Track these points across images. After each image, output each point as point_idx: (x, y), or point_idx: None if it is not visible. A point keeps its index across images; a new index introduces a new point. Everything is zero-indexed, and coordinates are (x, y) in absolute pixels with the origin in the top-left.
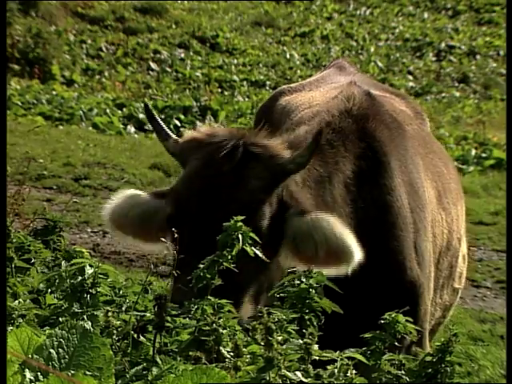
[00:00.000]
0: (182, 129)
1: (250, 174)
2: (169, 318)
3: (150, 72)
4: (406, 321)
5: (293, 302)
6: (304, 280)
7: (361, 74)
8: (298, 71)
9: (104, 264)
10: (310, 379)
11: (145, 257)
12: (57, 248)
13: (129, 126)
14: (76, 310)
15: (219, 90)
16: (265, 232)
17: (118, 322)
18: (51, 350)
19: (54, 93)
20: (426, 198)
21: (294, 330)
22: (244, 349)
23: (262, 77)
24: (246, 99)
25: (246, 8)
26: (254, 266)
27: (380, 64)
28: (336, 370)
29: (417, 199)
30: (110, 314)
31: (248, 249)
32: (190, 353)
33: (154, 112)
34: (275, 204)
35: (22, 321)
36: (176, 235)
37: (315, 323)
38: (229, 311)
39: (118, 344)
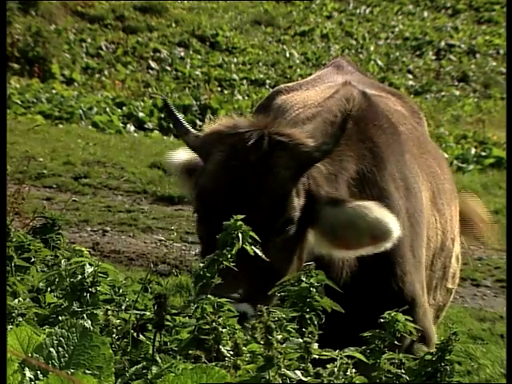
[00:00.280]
0: None
1: (277, 163)
2: (168, 317)
3: (150, 71)
4: (406, 320)
5: (293, 300)
6: (304, 279)
7: (358, 74)
8: (298, 70)
9: (104, 263)
10: (309, 378)
11: (144, 255)
12: (56, 247)
13: (128, 125)
14: (76, 309)
15: (219, 89)
16: (293, 221)
17: (118, 321)
18: (51, 349)
19: (53, 91)
20: (422, 203)
21: (293, 328)
22: (244, 347)
23: (261, 75)
24: (246, 98)
25: (246, 7)
26: (282, 255)
27: (380, 63)
28: (336, 369)
29: (414, 204)
30: (109, 312)
31: (248, 248)
32: (190, 352)
33: (173, 107)
34: (301, 192)
35: (21, 319)
36: (205, 230)
37: (315, 322)
38: (228, 310)
39: (118, 343)
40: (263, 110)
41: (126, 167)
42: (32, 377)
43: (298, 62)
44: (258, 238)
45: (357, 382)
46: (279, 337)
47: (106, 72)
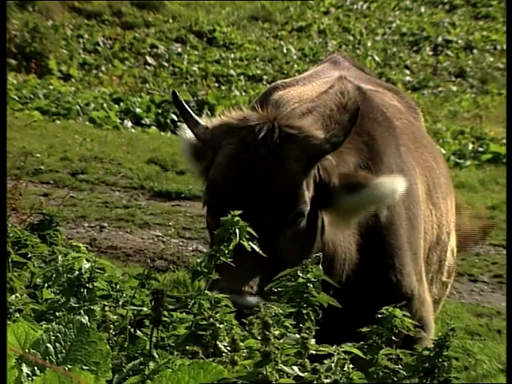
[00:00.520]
0: (178, 123)
1: (287, 155)
2: (166, 313)
3: (147, 66)
4: (403, 315)
5: (290, 296)
6: (301, 274)
7: (354, 69)
8: (295, 66)
9: (101, 258)
10: (306, 373)
11: (142, 251)
12: (53, 243)
13: (126, 121)
14: (73, 305)
15: (216, 85)
16: (303, 214)
17: (115, 317)
18: (48, 345)
19: (50, 87)
20: (418, 195)
21: (291, 324)
22: (241, 343)
23: (258, 71)
24: (243, 94)
25: (243, 2)
26: (293, 247)
27: (377, 58)
28: (333, 365)
29: (410, 196)
30: (106, 308)
31: (245, 243)
32: (187, 347)
33: (182, 99)
34: (312, 185)
35: (18, 315)
36: (215, 223)
37: (312, 317)
38: (226, 305)
39: (115, 338)
40: (259, 105)
41: (124, 163)
42: (29, 372)
43: (295, 57)
44: (265, 232)
45: (354, 377)
46: (276, 332)
47: (103, 68)
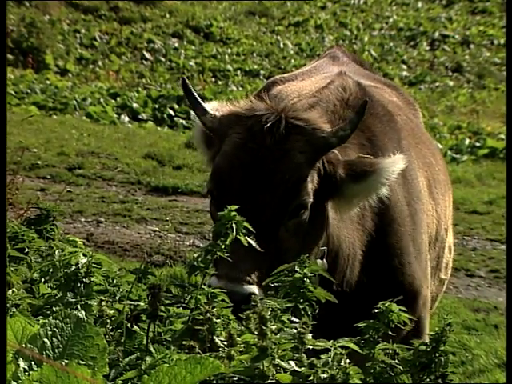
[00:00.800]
0: (175, 118)
1: (293, 146)
2: (162, 308)
3: (144, 61)
4: (400, 310)
5: (287, 291)
6: (298, 269)
7: (353, 64)
8: (292, 60)
9: (98, 253)
10: (303, 368)
11: (139, 246)
12: (50, 237)
13: (122, 116)
14: (70, 300)
15: (213, 80)
16: (306, 206)
17: (112, 312)
18: (45, 340)
19: (47, 82)
20: (420, 190)
21: (288, 319)
22: (238, 338)
23: (255, 66)
24: (240, 88)
25: None
26: (295, 239)
27: (374, 53)
28: (330, 360)
29: (412, 192)
30: (103, 303)
31: (242, 238)
32: (184, 342)
33: (191, 86)
34: (316, 179)
35: (15, 310)
36: (218, 212)
37: (309, 312)
38: (222, 300)
39: (112, 333)
40: None
41: (120, 158)
42: (26, 367)
43: (292, 52)
44: (267, 222)
45: (351, 372)
46: (273, 327)
47: (100, 63)
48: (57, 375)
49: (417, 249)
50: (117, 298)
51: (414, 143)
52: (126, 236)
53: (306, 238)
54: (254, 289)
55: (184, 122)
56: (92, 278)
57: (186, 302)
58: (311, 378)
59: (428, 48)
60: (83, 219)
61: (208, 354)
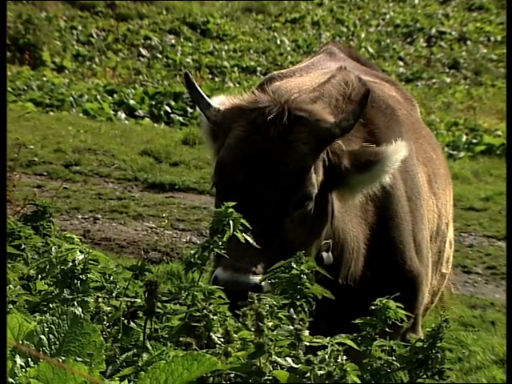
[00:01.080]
0: (172, 115)
1: (296, 138)
2: (159, 304)
3: (141, 58)
4: (397, 307)
5: (284, 287)
6: (295, 266)
7: (350, 60)
8: (289, 57)
9: (94, 250)
10: (300, 365)
11: (135, 243)
12: (47, 234)
13: (119, 113)
14: (66, 296)
15: (210, 76)
16: (310, 197)
17: (109, 308)
18: (42, 336)
19: (44, 79)
20: (421, 185)
21: (284, 315)
22: (234, 335)
23: (252, 63)
24: (237, 85)
25: None
26: (300, 230)
27: (371, 50)
28: (327, 356)
29: (413, 187)
30: (100, 300)
31: (239, 235)
32: (181, 339)
33: (194, 81)
34: (321, 170)
35: (12, 307)
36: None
37: (306, 309)
38: (219, 297)
39: (109, 330)
40: None
41: (117, 154)
42: (23, 364)
43: (288, 49)
44: (271, 213)
45: (348, 368)
46: (270, 324)
47: (96, 59)
48: (54, 372)
49: (418, 245)
50: (113, 294)
51: (414, 138)
52: (122, 233)
53: (311, 230)
54: (259, 279)
55: (181, 118)
56: (89, 275)
57: (182, 298)
58: (308, 374)
59: (425, 44)
60: (80, 216)
61: (205, 351)
